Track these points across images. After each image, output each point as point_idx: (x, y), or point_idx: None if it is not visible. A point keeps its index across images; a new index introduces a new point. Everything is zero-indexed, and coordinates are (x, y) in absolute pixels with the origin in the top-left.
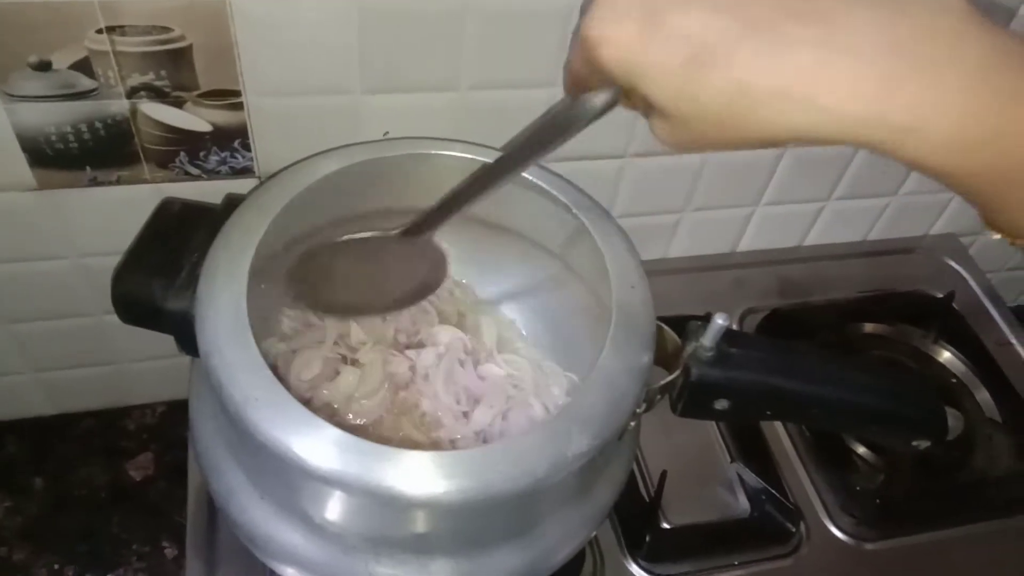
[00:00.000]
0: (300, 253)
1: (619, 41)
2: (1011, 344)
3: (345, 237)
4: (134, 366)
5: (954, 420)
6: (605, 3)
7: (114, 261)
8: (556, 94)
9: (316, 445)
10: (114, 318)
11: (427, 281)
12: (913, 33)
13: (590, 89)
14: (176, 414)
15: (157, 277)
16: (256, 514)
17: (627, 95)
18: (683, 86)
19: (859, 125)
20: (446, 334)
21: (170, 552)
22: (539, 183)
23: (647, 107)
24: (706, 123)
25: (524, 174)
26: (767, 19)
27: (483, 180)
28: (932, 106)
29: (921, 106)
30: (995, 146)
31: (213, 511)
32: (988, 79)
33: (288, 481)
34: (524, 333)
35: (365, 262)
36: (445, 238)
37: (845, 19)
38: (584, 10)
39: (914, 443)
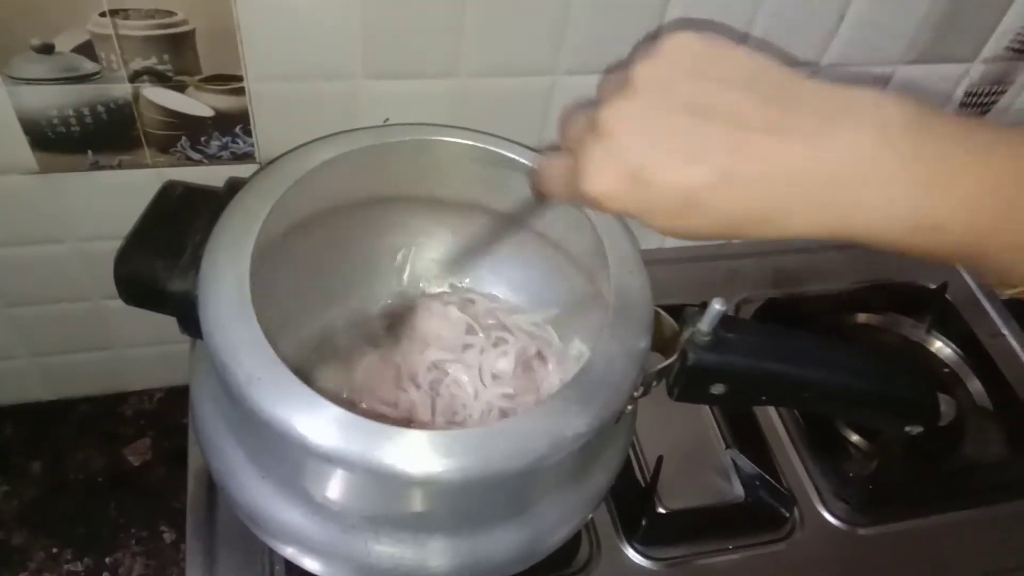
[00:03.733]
0: None
1: (617, 198)
2: (1003, 335)
3: None
4: (132, 352)
5: (947, 406)
6: (596, 164)
7: (114, 245)
8: (554, 81)
9: (318, 423)
10: (113, 303)
11: None
12: (855, 158)
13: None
14: (174, 401)
15: (160, 258)
16: (257, 493)
17: None
18: (678, 226)
19: (829, 234)
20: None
21: (168, 536)
22: None
23: None
24: (707, 237)
25: (525, 161)
26: (725, 164)
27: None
28: (879, 217)
29: (868, 219)
30: (944, 229)
31: (213, 494)
32: (929, 179)
33: (289, 459)
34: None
35: None
36: (447, 227)
37: (796, 150)
38: (576, 160)
39: (907, 428)
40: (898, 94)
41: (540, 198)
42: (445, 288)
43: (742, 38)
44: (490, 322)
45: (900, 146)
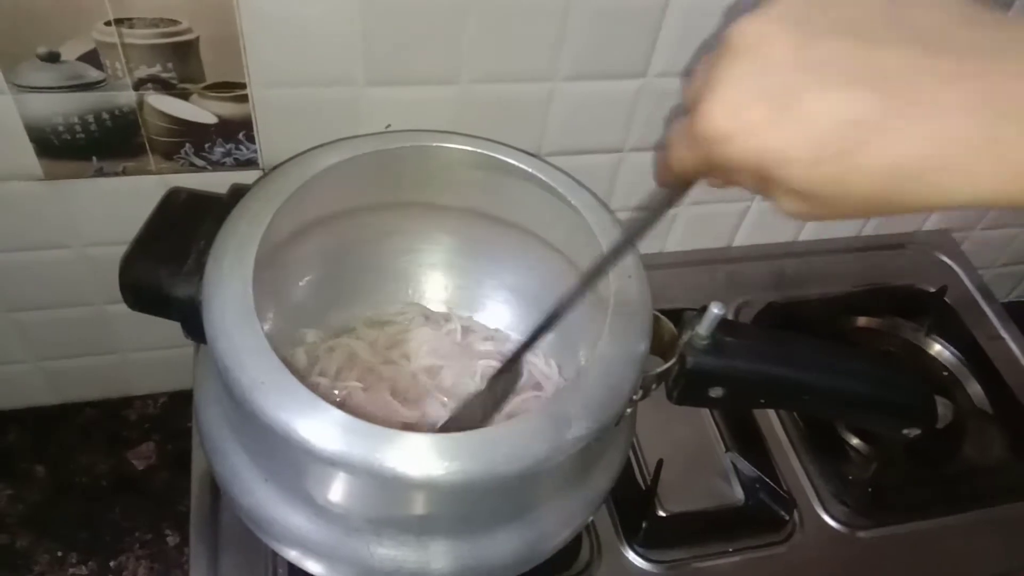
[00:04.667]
0: None
1: (749, 133)
2: (1002, 338)
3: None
4: (136, 356)
5: (944, 409)
6: (723, 91)
7: (118, 251)
8: (554, 88)
9: (320, 427)
10: (117, 308)
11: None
12: None
13: (690, 179)
14: (178, 405)
15: (165, 264)
16: (260, 496)
17: (727, 177)
18: (829, 173)
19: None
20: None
21: (172, 540)
22: (539, 176)
23: (767, 186)
24: (852, 201)
25: (525, 167)
26: (911, 86)
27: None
28: None
29: None
30: None
31: (216, 497)
32: None
33: (292, 463)
34: (523, 324)
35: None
36: (447, 232)
37: (996, 77)
38: (696, 98)
39: (905, 431)
40: None
41: (668, 187)
42: (443, 308)
43: None
44: (484, 349)
45: None
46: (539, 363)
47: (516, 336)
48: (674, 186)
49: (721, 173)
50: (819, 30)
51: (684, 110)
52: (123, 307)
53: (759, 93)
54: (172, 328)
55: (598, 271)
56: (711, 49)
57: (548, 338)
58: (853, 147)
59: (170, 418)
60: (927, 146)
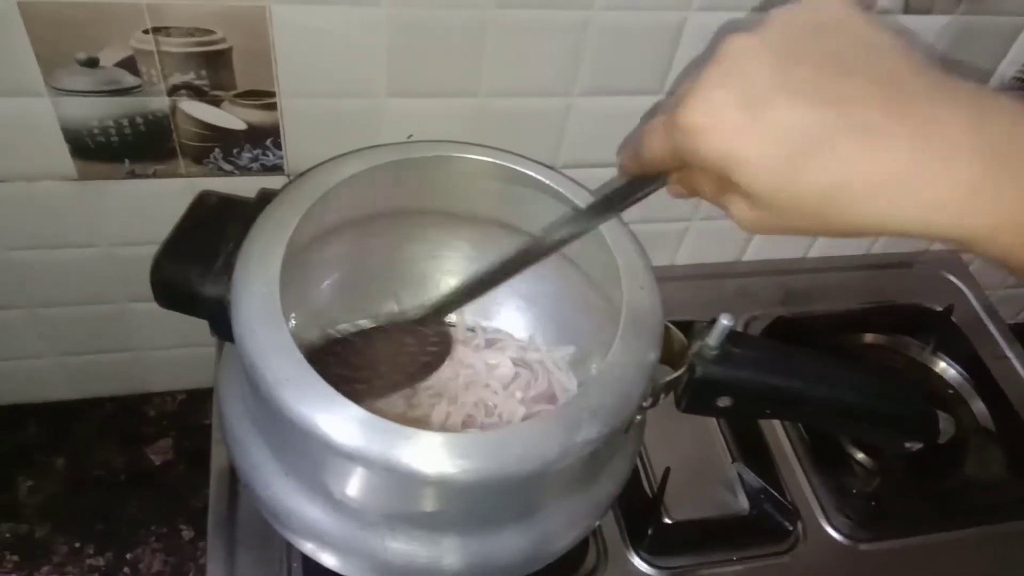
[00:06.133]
0: (322, 340)
1: (721, 130)
2: (1007, 358)
3: (362, 325)
4: (156, 354)
5: (946, 423)
6: (706, 91)
7: (144, 251)
8: (570, 103)
9: (341, 423)
10: (138, 306)
11: (431, 361)
12: (998, 137)
13: (653, 173)
14: (196, 403)
15: (195, 264)
16: (279, 490)
17: (689, 179)
18: (783, 179)
19: (945, 227)
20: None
21: (187, 534)
22: (555, 187)
23: (723, 190)
24: (799, 213)
25: (541, 178)
26: (866, 114)
27: (508, 264)
28: (1013, 210)
29: (1005, 210)
30: None
31: (234, 492)
32: None
33: (312, 457)
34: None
35: (379, 347)
36: (465, 240)
37: (937, 119)
38: (679, 97)
39: (907, 444)
40: None
41: (629, 175)
42: (467, 322)
43: None
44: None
45: None
46: (559, 375)
47: (533, 342)
48: (637, 177)
49: (685, 168)
50: (797, 56)
51: (662, 110)
52: (145, 305)
53: (736, 99)
54: (192, 327)
55: (553, 244)
56: (700, 62)
57: (568, 351)
58: (803, 158)
59: (187, 415)
60: (870, 169)
